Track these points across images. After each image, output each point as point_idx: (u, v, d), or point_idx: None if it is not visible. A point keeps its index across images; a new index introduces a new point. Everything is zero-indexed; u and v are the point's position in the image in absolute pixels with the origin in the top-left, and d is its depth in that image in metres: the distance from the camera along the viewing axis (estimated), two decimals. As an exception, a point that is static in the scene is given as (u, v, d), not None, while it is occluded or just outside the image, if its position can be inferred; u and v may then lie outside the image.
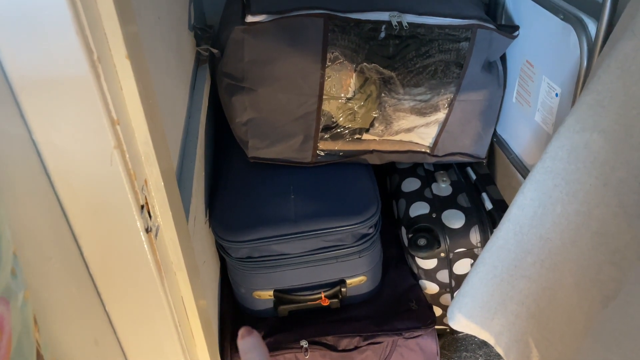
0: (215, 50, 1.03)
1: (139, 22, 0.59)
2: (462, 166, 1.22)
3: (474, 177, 1.18)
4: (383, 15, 0.95)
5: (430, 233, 1.07)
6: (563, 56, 0.89)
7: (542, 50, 0.97)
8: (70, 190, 0.46)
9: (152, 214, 0.52)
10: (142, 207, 0.50)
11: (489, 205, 1.09)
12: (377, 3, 0.96)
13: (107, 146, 0.44)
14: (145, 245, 0.50)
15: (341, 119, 1.04)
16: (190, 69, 1.05)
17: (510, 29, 1.04)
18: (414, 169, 1.23)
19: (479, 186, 1.15)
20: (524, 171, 1.07)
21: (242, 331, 0.36)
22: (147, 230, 0.50)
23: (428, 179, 1.19)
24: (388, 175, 1.30)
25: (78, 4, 0.39)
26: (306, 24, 0.92)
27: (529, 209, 0.66)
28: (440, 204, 1.11)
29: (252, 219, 0.98)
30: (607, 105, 0.55)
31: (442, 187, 1.16)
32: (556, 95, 0.93)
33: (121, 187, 0.46)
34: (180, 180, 0.80)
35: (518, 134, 1.09)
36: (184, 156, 0.86)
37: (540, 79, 0.98)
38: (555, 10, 0.88)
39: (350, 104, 1.02)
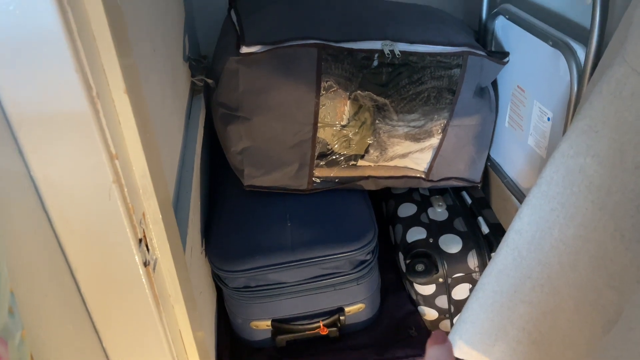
0: (209, 81, 1.04)
1: (135, 54, 0.59)
2: (457, 190, 1.22)
3: (469, 201, 1.18)
4: (376, 45, 0.96)
5: (428, 258, 1.06)
6: (553, 81, 0.91)
7: (533, 75, 0.99)
8: (68, 225, 0.46)
9: (149, 247, 0.52)
10: (140, 240, 0.49)
11: (485, 229, 1.10)
12: (370, 32, 0.98)
13: (106, 181, 0.44)
14: (143, 279, 0.50)
15: (336, 146, 1.05)
16: (186, 99, 1.05)
17: (500, 55, 1.06)
18: (409, 194, 1.23)
19: (475, 210, 1.15)
20: (519, 194, 1.07)
21: None
22: (145, 264, 0.50)
23: (424, 203, 1.19)
24: (384, 201, 1.30)
25: (77, 40, 0.40)
26: (300, 54, 0.94)
27: (526, 234, 0.66)
28: (437, 229, 1.11)
29: (248, 247, 0.98)
30: (600, 130, 0.56)
31: (438, 211, 1.17)
32: (548, 119, 0.94)
33: (119, 221, 0.46)
34: (176, 211, 0.80)
35: (512, 158, 1.10)
36: (180, 186, 0.86)
37: (532, 103, 0.99)
38: (544, 37, 0.90)
39: (345, 131, 1.03)
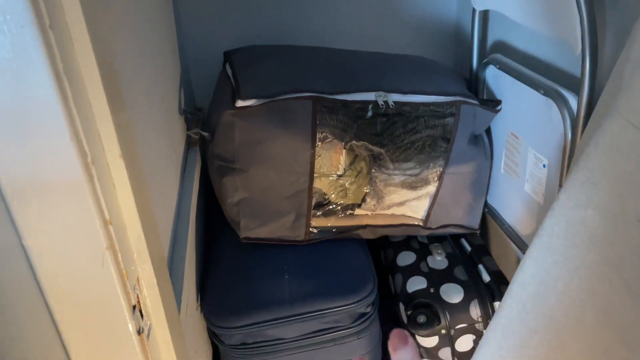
0: (205, 134, 1.04)
1: (131, 112, 0.59)
2: (456, 237, 1.21)
3: (468, 248, 1.17)
4: (369, 96, 0.97)
5: (429, 309, 1.04)
6: (547, 129, 0.91)
7: (526, 123, 1.00)
8: (59, 294, 0.44)
9: (144, 312, 0.50)
10: (134, 307, 0.48)
11: (486, 277, 1.08)
12: (363, 84, 0.99)
13: (99, 248, 0.43)
14: (137, 349, 0.48)
15: (333, 195, 1.04)
16: (181, 152, 1.05)
17: (492, 104, 1.07)
18: (408, 242, 1.22)
19: (475, 257, 1.14)
20: (519, 241, 1.06)
21: None
22: (139, 332, 0.48)
23: (423, 252, 1.18)
24: (382, 249, 1.28)
25: (72, 108, 0.39)
26: (295, 107, 0.94)
27: (530, 287, 0.65)
28: (437, 278, 1.09)
29: (245, 302, 0.95)
30: (598, 182, 0.56)
31: (438, 259, 1.15)
32: (544, 166, 0.94)
33: (113, 288, 0.45)
34: (171, 268, 0.78)
35: (509, 204, 1.10)
36: (175, 241, 0.85)
37: (527, 150, 1.00)
38: (535, 85, 0.92)
39: (342, 181, 1.03)
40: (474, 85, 1.16)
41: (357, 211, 1.10)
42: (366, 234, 1.13)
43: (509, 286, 0.69)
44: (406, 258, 1.17)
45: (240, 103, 0.93)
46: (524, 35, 1.01)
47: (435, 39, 1.37)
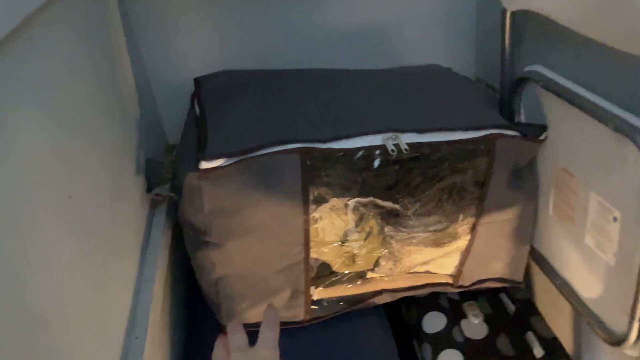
0: (170, 194, 0.82)
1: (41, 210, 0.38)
2: (494, 290, 0.98)
3: (512, 307, 0.94)
4: (375, 140, 0.74)
5: (469, 400, 0.82)
6: (618, 172, 0.68)
7: (585, 159, 0.76)
8: None
9: None
10: None
11: (539, 350, 0.85)
12: (366, 124, 0.76)
13: None
14: None
15: (337, 265, 0.82)
16: (144, 217, 0.84)
17: (535, 131, 0.83)
18: (435, 299, 0.99)
19: (521, 320, 0.91)
20: (579, 303, 0.83)
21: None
22: None
23: (455, 312, 0.95)
24: (404, 304, 1.06)
25: None
26: (279, 163, 0.72)
27: None
28: (475, 353, 0.87)
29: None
30: None
31: (475, 323, 0.93)
32: (614, 219, 0.71)
33: None
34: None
35: (563, 255, 0.86)
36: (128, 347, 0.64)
37: (587, 195, 0.76)
38: (598, 114, 0.68)
39: (347, 247, 0.80)
40: (506, 105, 0.92)
41: (370, 274, 0.87)
42: (383, 299, 0.90)
43: None
44: (435, 322, 0.95)
45: (204, 165, 0.70)
46: (576, 42, 0.76)
47: (449, 43, 1.13)
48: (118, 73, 0.84)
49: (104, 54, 0.78)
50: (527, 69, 0.85)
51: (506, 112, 0.92)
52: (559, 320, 0.93)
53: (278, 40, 1.06)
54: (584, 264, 0.80)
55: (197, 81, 0.97)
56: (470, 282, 0.92)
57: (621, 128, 0.64)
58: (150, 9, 1.00)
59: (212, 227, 0.76)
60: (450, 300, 0.98)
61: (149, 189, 0.86)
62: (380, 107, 0.80)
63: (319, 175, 0.73)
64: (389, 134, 0.74)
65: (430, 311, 0.97)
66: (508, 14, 0.85)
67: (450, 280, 0.92)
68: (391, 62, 1.10)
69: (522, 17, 0.85)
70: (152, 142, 1.00)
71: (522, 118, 0.91)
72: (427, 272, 0.91)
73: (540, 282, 0.97)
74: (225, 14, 1.03)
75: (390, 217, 0.80)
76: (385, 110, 0.79)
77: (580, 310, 0.82)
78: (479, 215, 0.82)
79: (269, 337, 0.54)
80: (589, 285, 0.80)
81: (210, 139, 0.76)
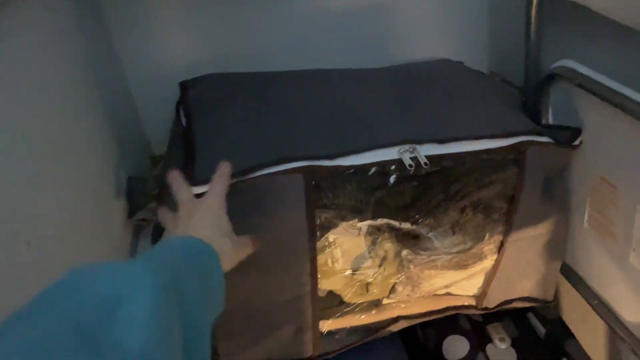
0: (154, 218, 0.72)
1: None
2: (521, 309, 0.89)
3: (542, 329, 0.85)
4: (390, 153, 0.64)
5: None
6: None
7: (628, 168, 0.66)
8: None
9: None
10: None
11: (576, 381, 0.76)
12: (379, 135, 0.66)
13: None
14: None
15: (349, 295, 0.72)
16: (127, 244, 0.74)
17: (569, 135, 0.73)
18: (455, 321, 0.90)
19: (554, 344, 0.81)
20: (621, 327, 0.74)
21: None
22: None
23: (478, 336, 0.86)
24: (420, 325, 0.96)
25: None
26: (279, 185, 0.62)
27: None
28: (504, 384, 0.78)
29: None
30: None
31: (502, 349, 0.83)
32: (669, 238, 0.61)
33: None
34: None
35: (601, 274, 0.77)
36: None
37: (633, 209, 0.66)
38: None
39: (359, 275, 0.70)
40: (531, 105, 0.82)
41: (386, 300, 0.78)
42: (399, 327, 0.81)
43: None
44: (456, 347, 0.86)
45: (196, 190, 0.60)
46: (615, 33, 0.66)
47: (459, 35, 1.02)
48: (93, 79, 0.73)
49: (74, 59, 0.67)
50: (557, 64, 0.74)
51: (531, 112, 0.82)
52: (591, 339, 0.83)
53: (270, 36, 0.95)
54: (628, 286, 0.71)
55: (183, 86, 0.87)
56: (496, 304, 0.82)
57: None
58: (126, 6, 0.88)
59: (204, 259, 0.65)
60: (472, 322, 0.89)
61: (131, 213, 0.76)
62: (392, 114, 0.70)
63: (327, 197, 0.63)
64: (406, 146, 0.64)
65: (450, 334, 0.88)
66: (535, 2, 0.74)
67: (473, 302, 0.82)
68: (396, 56, 1.00)
69: (551, 5, 0.74)
70: (134, 155, 0.90)
71: (550, 119, 0.81)
72: (447, 294, 0.82)
73: (570, 297, 0.88)
74: (209, 8, 0.92)
75: (407, 239, 0.70)
76: (399, 117, 0.69)
77: (622, 335, 0.73)
78: (507, 232, 0.72)
79: (217, 188, 0.54)
80: (634, 311, 0.71)
81: (198, 157, 0.66)
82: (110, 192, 0.72)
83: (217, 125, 0.71)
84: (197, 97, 0.81)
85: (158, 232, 0.76)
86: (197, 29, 0.94)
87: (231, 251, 0.49)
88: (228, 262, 0.49)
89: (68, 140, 0.59)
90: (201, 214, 0.51)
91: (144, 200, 0.80)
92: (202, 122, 0.74)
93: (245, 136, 0.68)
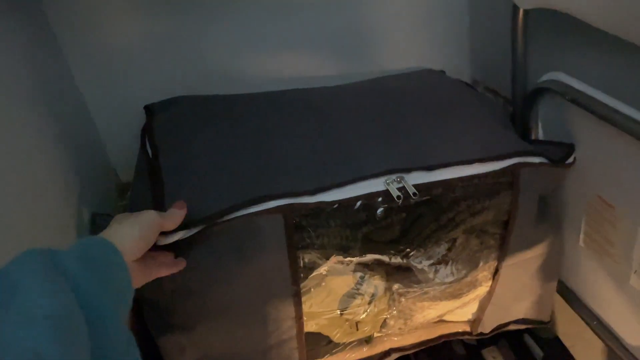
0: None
1: None
2: (516, 331, 0.85)
3: (539, 351, 0.81)
4: (376, 185, 0.59)
5: None
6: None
7: (626, 188, 0.63)
8: None
9: None
10: None
11: (579, 408, 0.72)
12: (363, 165, 0.61)
13: None
14: None
15: (337, 335, 0.67)
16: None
17: (562, 152, 0.69)
18: (448, 345, 0.86)
19: (552, 368, 0.78)
20: (623, 351, 0.70)
21: None
22: None
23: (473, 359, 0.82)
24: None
25: None
26: (256, 227, 0.56)
27: None
28: (504, 414, 0.74)
29: None
30: None
31: (498, 375, 0.79)
32: (675, 263, 0.58)
33: None
34: None
35: (600, 295, 0.73)
36: None
37: (634, 230, 0.62)
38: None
39: (347, 315, 0.65)
40: (520, 118, 0.78)
41: (376, 334, 0.73)
42: (392, 359, 0.76)
43: None
44: (451, 374, 0.82)
45: (161, 241, 0.54)
46: (603, 43, 0.62)
47: (439, 43, 0.97)
48: (46, 110, 0.66)
49: (25, 90, 0.61)
50: (546, 77, 0.70)
51: (519, 125, 0.78)
52: (589, 357, 0.80)
53: (242, 53, 0.89)
54: (629, 309, 0.67)
55: (149, 110, 0.80)
56: (491, 329, 0.78)
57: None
58: (82, 31, 0.81)
59: (176, 309, 0.60)
60: (467, 346, 0.85)
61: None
62: (376, 140, 0.65)
63: (310, 237, 0.58)
64: (392, 176, 0.59)
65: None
66: (521, 13, 0.70)
67: (468, 328, 0.78)
68: (376, 65, 0.95)
69: (538, 16, 0.70)
70: (99, 187, 0.83)
71: (540, 133, 0.77)
72: (440, 322, 0.77)
73: (567, 315, 0.84)
74: (175, 23, 0.85)
75: (398, 273, 0.65)
76: (384, 145, 0.64)
77: (624, 358, 0.70)
78: (502, 258, 0.68)
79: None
80: (637, 334, 0.68)
81: (167, 199, 0.59)
82: (72, 234, 0.65)
83: (186, 157, 0.65)
84: (163, 124, 0.75)
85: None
86: (160, 48, 0.87)
87: (137, 232, 0.46)
88: (136, 241, 0.46)
89: (22, 182, 0.53)
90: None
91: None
92: (169, 153, 0.67)
93: (216, 170, 0.61)
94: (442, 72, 0.95)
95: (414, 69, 0.95)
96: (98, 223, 0.73)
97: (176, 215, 0.52)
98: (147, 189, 0.66)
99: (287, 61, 0.91)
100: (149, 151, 0.71)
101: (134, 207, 0.67)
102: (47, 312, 0.30)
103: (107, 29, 0.82)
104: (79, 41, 0.81)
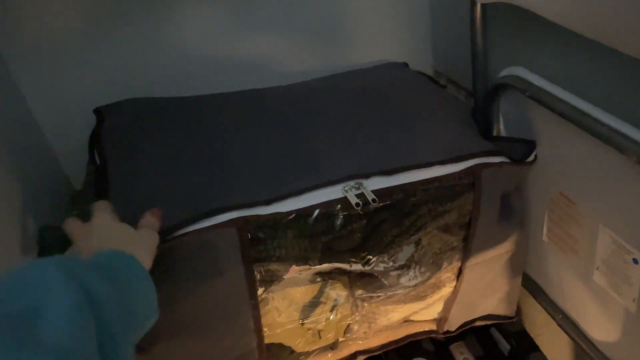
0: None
1: None
2: (484, 325, 0.85)
3: (506, 345, 0.81)
4: (334, 192, 0.57)
5: None
6: (638, 207, 0.54)
7: (589, 186, 0.62)
8: None
9: None
10: None
11: (545, 401, 0.73)
12: (320, 172, 0.58)
13: None
14: None
15: (300, 345, 0.65)
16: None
17: (523, 149, 0.68)
18: (417, 342, 0.85)
19: (519, 359, 0.78)
20: (588, 344, 0.71)
21: None
22: None
23: (441, 358, 0.82)
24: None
25: None
26: (210, 243, 0.53)
27: None
28: (472, 411, 0.74)
29: None
30: None
31: (466, 371, 0.79)
32: (634, 261, 0.57)
33: None
34: None
35: (564, 289, 0.73)
36: None
37: (596, 228, 0.62)
38: (615, 143, 0.53)
39: (309, 324, 0.64)
40: (481, 112, 0.76)
41: (341, 338, 0.72)
42: (359, 361, 0.75)
43: None
44: (420, 372, 0.81)
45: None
46: (564, 41, 0.61)
47: (401, 34, 0.95)
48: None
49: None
50: (506, 72, 0.69)
51: (481, 120, 0.76)
52: (556, 351, 0.81)
53: (194, 50, 0.85)
54: (593, 304, 0.67)
55: (99, 113, 0.76)
56: (458, 326, 0.78)
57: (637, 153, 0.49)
58: (21, 34, 0.76)
59: (131, 329, 0.57)
60: (435, 342, 0.85)
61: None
62: (336, 144, 0.62)
63: (266, 249, 0.56)
64: (351, 183, 0.57)
65: (413, 357, 0.83)
66: (478, 8, 0.68)
67: (434, 327, 0.78)
68: (337, 57, 0.92)
69: (498, 10, 0.68)
70: (50, 197, 0.79)
71: (502, 128, 0.75)
72: (407, 322, 0.77)
73: (532, 309, 0.84)
74: (121, 17, 0.80)
75: (360, 279, 0.64)
76: (343, 148, 0.62)
77: (588, 351, 0.70)
78: (465, 258, 0.67)
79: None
80: (600, 328, 0.68)
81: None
82: (15, 248, 0.61)
83: (135, 168, 0.62)
84: (113, 128, 0.71)
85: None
86: (107, 48, 0.82)
87: (149, 260, 0.47)
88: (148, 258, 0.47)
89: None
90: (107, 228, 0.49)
91: (60, 252, 0.70)
92: (117, 162, 0.64)
93: (167, 181, 0.58)
94: (405, 64, 0.93)
95: (377, 63, 0.92)
96: (45, 236, 0.69)
97: (156, 226, 0.50)
98: (94, 200, 0.63)
99: (246, 58, 0.88)
100: (97, 159, 0.68)
101: (83, 218, 0.63)
102: (65, 347, 0.29)
103: (48, 21, 0.77)
104: (17, 37, 0.76)
